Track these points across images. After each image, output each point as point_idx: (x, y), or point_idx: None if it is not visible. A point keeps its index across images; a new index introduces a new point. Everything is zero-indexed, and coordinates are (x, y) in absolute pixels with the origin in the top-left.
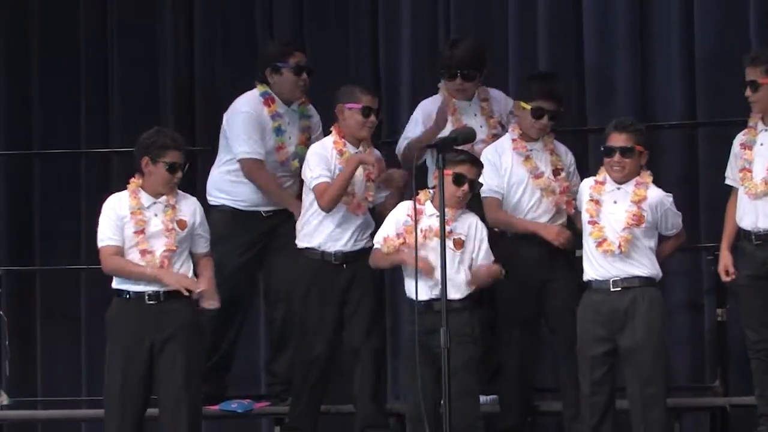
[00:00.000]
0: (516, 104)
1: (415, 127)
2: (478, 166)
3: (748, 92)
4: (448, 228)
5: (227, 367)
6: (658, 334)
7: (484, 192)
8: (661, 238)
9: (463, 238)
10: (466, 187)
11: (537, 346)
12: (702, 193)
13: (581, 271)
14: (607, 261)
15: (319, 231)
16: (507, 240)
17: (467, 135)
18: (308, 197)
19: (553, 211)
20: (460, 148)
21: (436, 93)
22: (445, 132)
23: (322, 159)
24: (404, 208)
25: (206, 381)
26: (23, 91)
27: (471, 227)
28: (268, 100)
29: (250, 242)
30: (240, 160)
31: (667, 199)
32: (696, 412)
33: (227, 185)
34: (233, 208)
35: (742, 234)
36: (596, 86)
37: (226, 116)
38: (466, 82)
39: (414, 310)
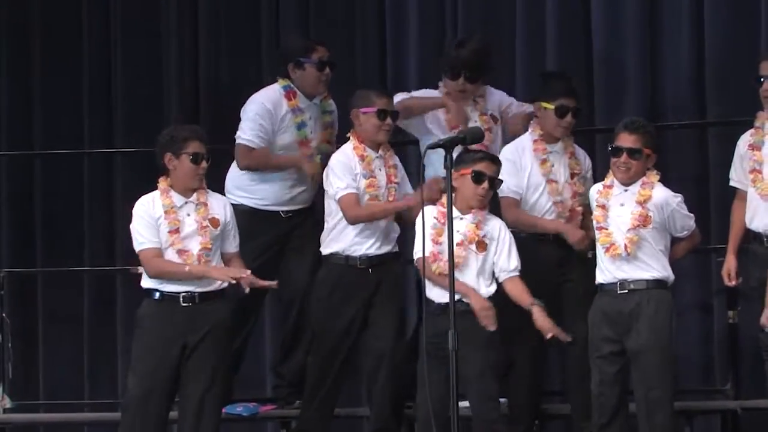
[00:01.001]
0: (536, 105)
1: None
2: (497, 163)
3: (765, 86)
4: (478, 232)
5: (236, 369)
6: (664, 337)
7: (502, 191)
8: (675, 240)
9: (486, 240)
10: (486, 184)
11: (547, 349)
12: (712, 194)
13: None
14: (615, 264)
15: (343, 235)
16: (522, 240)
17: (475, 135)
18: (331, 205)
19: (566, 216)
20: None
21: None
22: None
23: (347, 168)
24: (429, 213)
25: None
26: (25, 92)
27: (494, 230)
28: (289, 94)
29: (268, 243)
30: (236, 145)
31: (674, 199)
32: (707, 415)
33: (246, 183)
34: (252, 207)
35: (752, 236)
36: (605, 87)
37: (243, 108)
38: (468, 84)
39: (431, 312)
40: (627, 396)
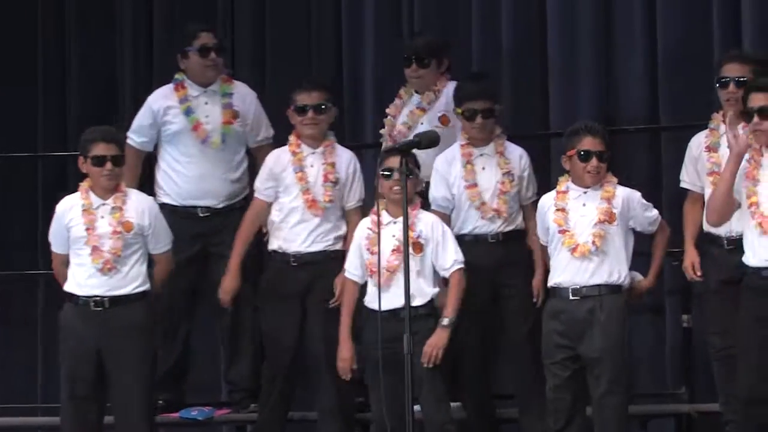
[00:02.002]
0: (455, 112)
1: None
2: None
3: (731, 88)
4: (411, 233)
5: (184, 373)
6: (617, 342)
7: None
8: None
9: (421, 241)
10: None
11: (498, 354)
12: (665, 198)
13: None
14: (571, 268)
15: (278, 231)
16: (463, 242)
17: (431, 139)
18: (277, 202)
19: (499, 220)
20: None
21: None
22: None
23: (265, 170)
24: (363, 225)
25: (164, 388)
26: None
27: (427, 228)
28: (178, 86)
29: (186, 242)
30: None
31: (635, 194)
32: (661, 419)
33: (162, 181)
34: (170, 204)
35: (709, 239)
36: (559, 90)
37: None
38: (421, 69)
39: (376, 318)
40: (583, 400)
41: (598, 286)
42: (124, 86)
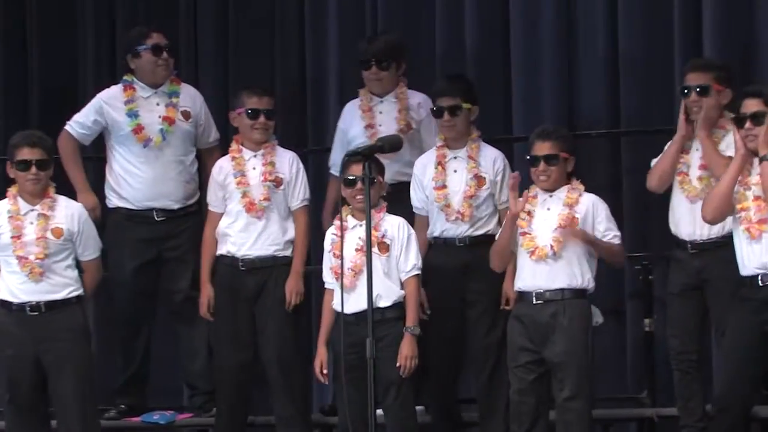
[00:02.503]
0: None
1: (341, 139)
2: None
3: (693, 97)
4: (376, 234)
5: (145, 378)
6: (581, 347)
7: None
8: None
9: (387, 241)
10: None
11: (462, 357)
12: (625, 202)
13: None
14: (535, 272)
15: (227, 237)
16: (432, 247)
17: (393, 143)
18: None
19: (465, 224)
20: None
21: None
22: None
23: (213, 182)
24: (329, 232)
25: (126, 393)
26: None
27: (393, 229)
28: (127, 87)
29: (142, 247)
30: (64, 128)
31: (603, 204)
32: (623, 423)
33: (116, 184)
34: (125, 208)
35: (675, 242)
36: (522, 95)
37: None
38: (381, 72)
39: (347, 322)
40: (547, 405)
41: (561, 290)
42: (85, 90)
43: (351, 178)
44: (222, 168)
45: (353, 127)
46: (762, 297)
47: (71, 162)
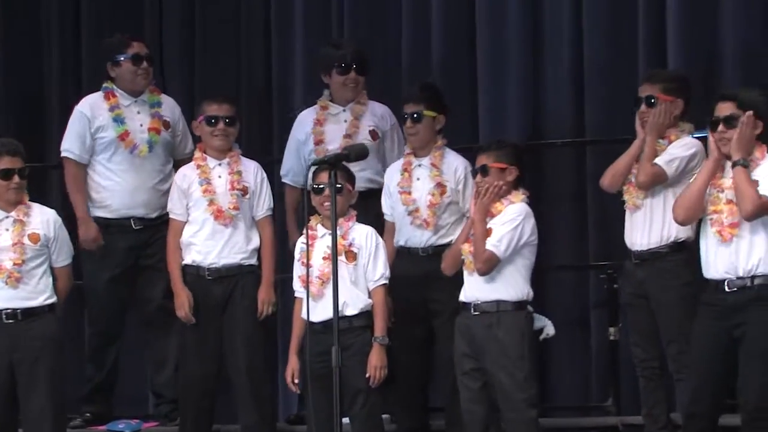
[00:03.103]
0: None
1: (297, 148)
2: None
3: (642, 108)
4: (343, 242)
5: (111, 386)
6: (516, 358)
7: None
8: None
9: (355, 250)
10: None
11: (431, 364)
12: (590, 210)
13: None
14: (471, 282)
15: (192, 245)
16: (397, 255)
17: (359, 151)
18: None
19: (428, 232)
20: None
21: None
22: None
23: (176, 190)
24: (299, 241)
25: (92, 401)
26: None
27: (361, 237)
28: (108, 95)
29: (120, 256)
30: (62, 157)
31: (516, 216)
32: None
33: (96, 193)
34: (103, 217)
35: (625, 253)
36: (488, 105)
37: None
38: (359, 76)
39: (311, 330)
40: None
41: (497, 302)
42: (51, 100)
43: (318, 186)
44: (186, 176)
45: (311, 138)
46: (730, 303)
47: (75, 190)
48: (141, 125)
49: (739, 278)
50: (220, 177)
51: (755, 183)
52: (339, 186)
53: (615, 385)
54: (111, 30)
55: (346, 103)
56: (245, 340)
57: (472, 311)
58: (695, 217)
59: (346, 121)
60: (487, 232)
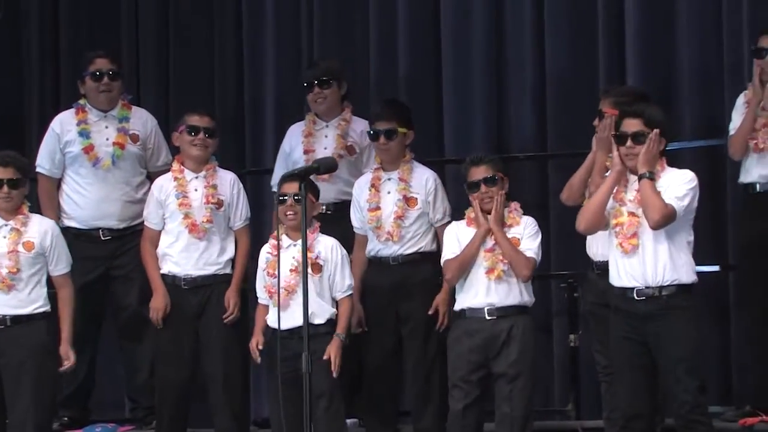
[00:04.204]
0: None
1: (284, 159)
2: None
3: (595, 122)
4: (310, 255)
5: (88, 391)
6: (530, 360)
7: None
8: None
9: (320, 262)
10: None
11: (399, 369)
12: (552, 222)
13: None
14: (483, 288)
15: (168, 256)
16: (368, 265)
17: (329, 165)
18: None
19: (395, 244)
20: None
21: (301, 119)
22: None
23: (152, 200)
24: (264, 250)
25: (68, 406)
26: None
27: (327, 250)
28: (78, 110)
29: (89, 265)
30: (36, 172)
31: (531, 228)
32: None
33: (66, 204)
34: (74, 227)
35: (587, 263)
36: (454, 119)
37: None
38: (323, 90)
39: (276, 337)
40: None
41: (512, 306)
42: (31, 117)
43: (281, 197)
44: (163, 187)
45: (296, 149)
46: (641, 312)
47: (46, 205)
48: (107, 139)
49: (647, 287)
50: (196, 190)
51: (659, 194)
52: (297, 197)
53: (575, 390)
54: (90, 47)
55: (325, 118)
56: (221, 348)
57: (487, 316)
58: (597, 227)
59: (327, 136)
60: (513, 241)
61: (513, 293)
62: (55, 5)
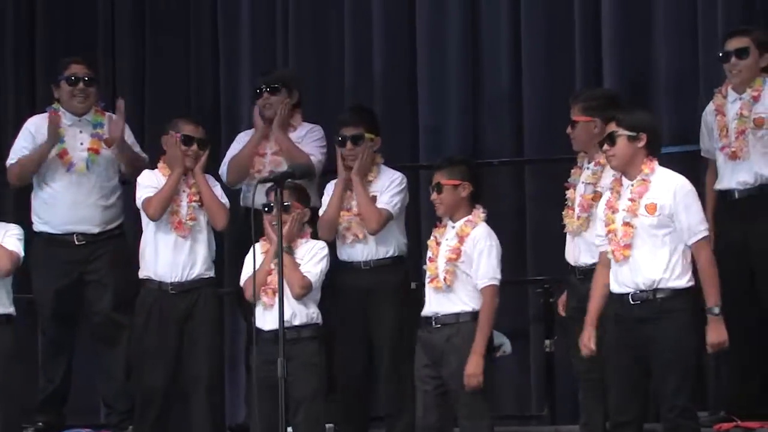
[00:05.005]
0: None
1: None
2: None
3: (568, 129)
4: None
5: (64, 397)
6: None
7: None
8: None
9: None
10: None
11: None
12: (528, 228)
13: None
14: (433, 297)
15: (154, 261)
16: (340, 269)
17: (304, 170)
18: (147, 231)
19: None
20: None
21: None
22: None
23: (149, 179)
24: (258, 250)
25: (44, 411)
26: None
27: (305, 251)
28: (51, 114)
29: (63, 269)
30: (7, 166)
31: (486, 241)
32: None
33: (39, 209)
34: (46, 232)
35: (568, 268)
36: (429, 125)
37: None
38: (271, 96)
39: (261, 339)
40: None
41: (456, 314)
42: (6, 119)
43: (268, 205)
44: (153, 180)
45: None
46: (636, 316)
47: (32, 154)
48: (81, 144)
49: (641, 291)
50: (184, 191)
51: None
52: (287, 204)
53: (551, 395)
54: (65, 51)
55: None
56: (205, 352)
57: (434, 323)
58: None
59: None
60: (458, 255)
61: (457, 301)
62: (32, 8)
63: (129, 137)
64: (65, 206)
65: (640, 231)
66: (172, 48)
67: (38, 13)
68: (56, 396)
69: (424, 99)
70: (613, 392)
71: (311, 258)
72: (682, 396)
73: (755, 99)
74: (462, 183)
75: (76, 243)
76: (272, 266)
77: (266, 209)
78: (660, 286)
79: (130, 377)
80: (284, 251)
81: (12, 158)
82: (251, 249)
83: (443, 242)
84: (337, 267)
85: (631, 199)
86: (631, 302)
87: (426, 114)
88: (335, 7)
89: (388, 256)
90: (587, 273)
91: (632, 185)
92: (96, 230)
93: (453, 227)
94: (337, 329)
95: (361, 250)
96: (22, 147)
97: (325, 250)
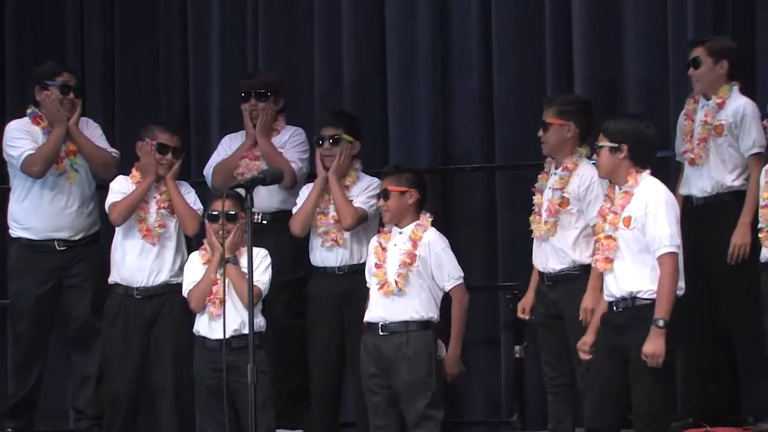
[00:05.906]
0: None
1: (216, 157)
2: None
3: (540, 132)
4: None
5: (34, 402)
6: (423, 376)
7: None
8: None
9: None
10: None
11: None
12: (499, 233)
13: None
14: (382, 304)
15: (121, 265)
16: (314, 274)
17: (275, 175)
18: (116, 236)
19: (329, 244)
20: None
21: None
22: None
23: (120, 185)
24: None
25: (13, 417)
26: None
27: (256, 257)
28: (36, 118)
29: (45, 275)
30: (22, 164)
31: (441, 243)
32: None
33: (20, 214)
34: (27, 238)
35: (538, 275)
36: (399, 130)
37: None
38: (260, 102)
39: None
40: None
41: (406, 322)
42: None
43: (213, 213)
44: (123, 184)
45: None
46: (617, 322)
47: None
48: (63, 150)
49: (623, 299)
50: (154, 198)
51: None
52: (233, 213)
53: (520, 401)
54: (35, 56)
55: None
56: (174, 357)
57: (380, 331)
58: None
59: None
60: (413, 259)
61: (406, 308)
62: (1, 12)
63: (96, 130)
64: (50, 213)
65: (621, 243)
66: (141, 53)
67: (7, 16)
68: (26, 402)
69: (394, 104)
70: (590, 397)
71: (257, 266)
72: (653, 404)
73: (719, 106)
74: (409, 190)
75: (58, 249)
76: (218, 276)
77: (209, 218)
78: (639, 295)
79: (101, 382)
80: (231, 261)
81: (25, 148)
82: (188, 258)
83: (390, 248)
84: (310, 273)
85: (614, 212)
86: (615, 310)
87: (396, 119)
88: (306, 12)
89: (361, 262)
90: (555, 279)
91: (617, 197)
92: (77, 237)
93: (400, 233)
94: (309, 335)
95: (335, 256)
96: (27, 135)
97: (269, 259)
